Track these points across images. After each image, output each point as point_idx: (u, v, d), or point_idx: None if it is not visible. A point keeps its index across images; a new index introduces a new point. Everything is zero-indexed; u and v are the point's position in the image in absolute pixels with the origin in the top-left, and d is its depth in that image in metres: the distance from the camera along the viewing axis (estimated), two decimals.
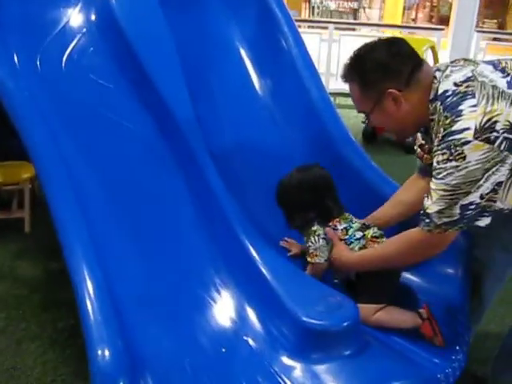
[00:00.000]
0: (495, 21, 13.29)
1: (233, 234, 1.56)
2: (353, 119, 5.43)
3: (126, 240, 1.60)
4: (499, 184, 1.41)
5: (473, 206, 1.43)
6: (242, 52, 1.90)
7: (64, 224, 1.46)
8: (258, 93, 1.90)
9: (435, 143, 1.46)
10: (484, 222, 1.47)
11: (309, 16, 12.49)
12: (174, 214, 1.71)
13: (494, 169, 1.39)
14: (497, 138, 1.35)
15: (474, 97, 1.38)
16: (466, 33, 7.57)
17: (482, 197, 1.42)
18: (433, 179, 1.47)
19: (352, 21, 11.22)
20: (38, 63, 1.80)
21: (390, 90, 1.50)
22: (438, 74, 1.49)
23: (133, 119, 1.76)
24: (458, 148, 1.38)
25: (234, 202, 1.65)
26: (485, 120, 1.35)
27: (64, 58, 1.82)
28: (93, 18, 1.92)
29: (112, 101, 1.76)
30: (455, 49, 7.64)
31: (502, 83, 1.40)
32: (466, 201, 1.42)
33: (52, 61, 1.82)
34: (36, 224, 3.00)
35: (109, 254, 1.49)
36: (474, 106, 1.36)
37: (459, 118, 1.37)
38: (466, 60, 1.51)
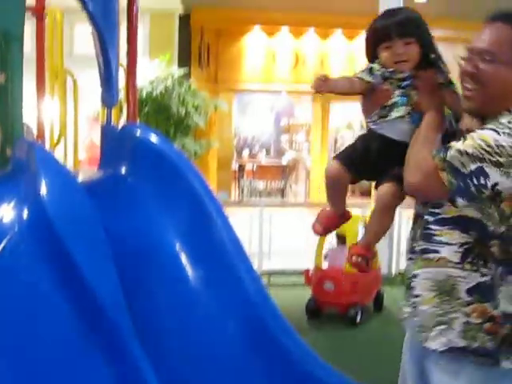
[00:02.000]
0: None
1: None
2: (291, 298, 5.45)
3: None
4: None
5: (483, 181, 1.44)
6: (177, 244, 1.93)
7: None
8: (193, 285, 1.91)
9: None
10: None
11: (239, 196, 13.00)
12: None
13: None
14: None
15: None
16: None
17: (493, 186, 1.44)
18: (482, 129, 1.48)
19: (280, 202, 11.71)
20: None
21: None
22: None
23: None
24: None
25: None
26: None
27: None
28: (25, 216, 1.93)
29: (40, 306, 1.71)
30: None
31: None
32: (487, 170, 1.43)
33: None
34: None
35: None
36: None
37: None
38: None
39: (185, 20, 10.31)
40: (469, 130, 1.57)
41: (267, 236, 7.04)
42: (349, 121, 18.92)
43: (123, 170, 2.12)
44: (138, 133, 2.14)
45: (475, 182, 1.46)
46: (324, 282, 5.04)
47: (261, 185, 13.18)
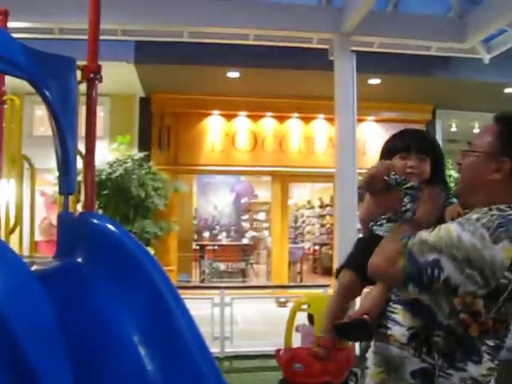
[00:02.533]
0: None
1: None
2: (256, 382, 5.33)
3: None
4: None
5: (436, 273, 1.47)
6: (134, 337, 1.87)
7: None
8: (151, 378, 1.84)
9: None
10: None
11: (200, 277, 12.84)
12: None
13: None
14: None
15: None
16: None
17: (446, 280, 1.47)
18: (451, 223, 1.54)
19: (242, 284, 11.62)
20: None
21: (508, 160, 1.56)
22: None
23: None
24: (501, 232, 1.45)
25: None
26: None
27: None
28: None
29: None
30: None
31: None
32: (443, 262, 1.46)
33: None
34: None
35: None
36: None
37: None
38: None
39: (145, 103, 10.49)
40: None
41: (229, 320, 6.92)
42: (308, 199, 19.22)
43: (79, 259, 2.07)
44: (95, 221, 2.11)
45: (429, 272, 1.48)
46: (294, 362, 4.96)
47: (222, 266, 13.08)
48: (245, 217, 16.91)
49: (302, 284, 12.09)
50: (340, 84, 6.54)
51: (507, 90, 10.01)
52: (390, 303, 1.72)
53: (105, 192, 8.59)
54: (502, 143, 1.58)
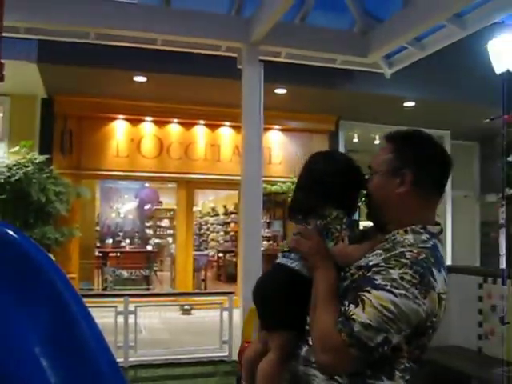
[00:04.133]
0: None
1: None
2: None
3: None
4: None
5: (386, 347, 1.49)
6: (37, 349, 1.80)
7: None
8: None
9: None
10: None
11: (102, 284, 12.53)
12: None
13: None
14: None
15: None
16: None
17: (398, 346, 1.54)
18: (375, 288, 1.49)
19: (146, 292, 11.45)
20: None
21: (408, 171, 1.66)
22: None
23: None
24: (426, 285, 1.50)
25: None
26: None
27: None
28: None
29: None
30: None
31: None
32: (391, 337, 1.49)
33: None
34: None
35: None
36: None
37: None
38: None
39: (48, 105, 10.12)
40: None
41: (133, 327, 6.80)
42: (212, 206, 19.26)
43: None
44: None
45: (380, 350, 1.50)
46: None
47: (125, 273, 12.83)
48: (149, 223, 16.71)
49: (207, 291, 12.07)
50: (247, 92, 6.61)
51: (406, 104, 10.51)
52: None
53: (3, 196, 8.22)
54: (398, 158, 1.70)
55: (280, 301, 1.74)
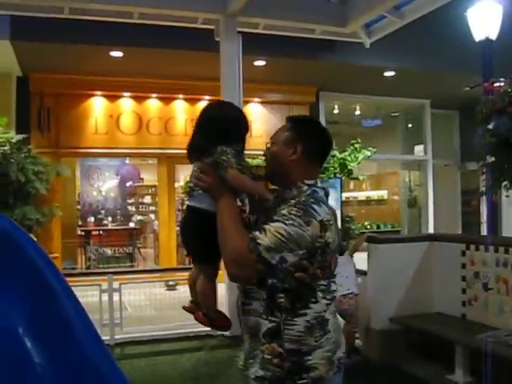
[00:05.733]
0: None
1: None
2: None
3: None
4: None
5: (284, 265, 1.99)
6: (20, 329, 1.77)
7: None
8: (39, 369, 1.76)
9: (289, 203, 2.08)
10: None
11: (85, 263, 12.48)
12: None
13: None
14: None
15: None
16: None
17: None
18: (272, 222, 2.02)
19: (130, 269, 11.42)
20: None
21: (299, 144, 2.21)
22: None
23: None
24: (308, 216, 2.02)
25: None
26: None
27: None
28: None
29: None
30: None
31: None
32: (286, 256, 1.99)
33: None
34: None
35: None
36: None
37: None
38: None
39: (23, 83, 9.93)
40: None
41: (118, 305, 6.78)
42: None
43: None
44: None
45: (279, 266, 2.00)
46: None
47: (108, 251, 12.78)
48: (131, 201, 16.58)
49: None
50: (226, 65, 6.54)
51: (387, 74, 10.47)
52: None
53: None
54: (294, 134, 2.26)
55: (194, 239, 2.25)
